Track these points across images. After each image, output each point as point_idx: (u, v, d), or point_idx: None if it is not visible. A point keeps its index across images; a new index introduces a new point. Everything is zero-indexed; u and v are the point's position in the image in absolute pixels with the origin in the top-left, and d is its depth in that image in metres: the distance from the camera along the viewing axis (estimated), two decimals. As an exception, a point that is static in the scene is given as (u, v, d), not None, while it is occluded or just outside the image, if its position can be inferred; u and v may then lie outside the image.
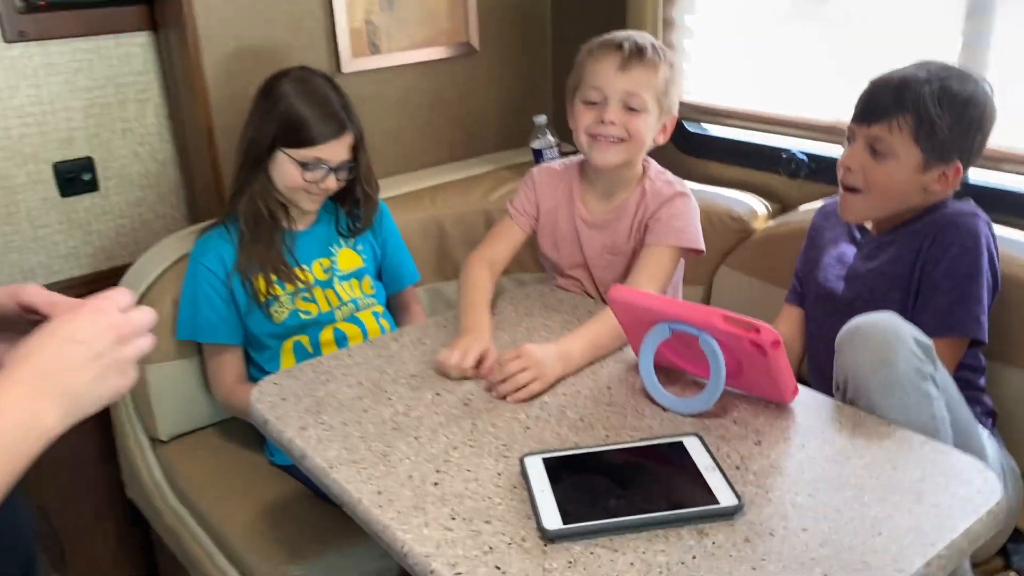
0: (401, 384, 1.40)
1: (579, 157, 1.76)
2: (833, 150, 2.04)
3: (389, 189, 2.21)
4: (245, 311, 1.81)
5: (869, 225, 1.62)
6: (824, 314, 1.62)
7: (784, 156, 2.09)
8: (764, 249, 2.02)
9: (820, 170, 2.05)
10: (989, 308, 1.45)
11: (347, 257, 1.91)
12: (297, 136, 1.72)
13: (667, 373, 1.37)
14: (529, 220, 1.75)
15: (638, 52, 1.55)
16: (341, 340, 1.85)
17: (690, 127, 2.34)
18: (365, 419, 1.29)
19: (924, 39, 1.82)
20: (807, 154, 2.07)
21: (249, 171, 1.78)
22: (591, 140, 1.61)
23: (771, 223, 2.04)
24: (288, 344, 1.85)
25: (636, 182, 1.68)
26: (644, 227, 1.65)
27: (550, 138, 2.35)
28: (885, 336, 1.24)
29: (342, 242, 1.91)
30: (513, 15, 2.51)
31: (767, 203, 2.12)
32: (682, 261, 1.72)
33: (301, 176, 1.75)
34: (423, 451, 1.20)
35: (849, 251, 1.63)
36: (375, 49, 2.26)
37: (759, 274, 2.01)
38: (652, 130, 1.60)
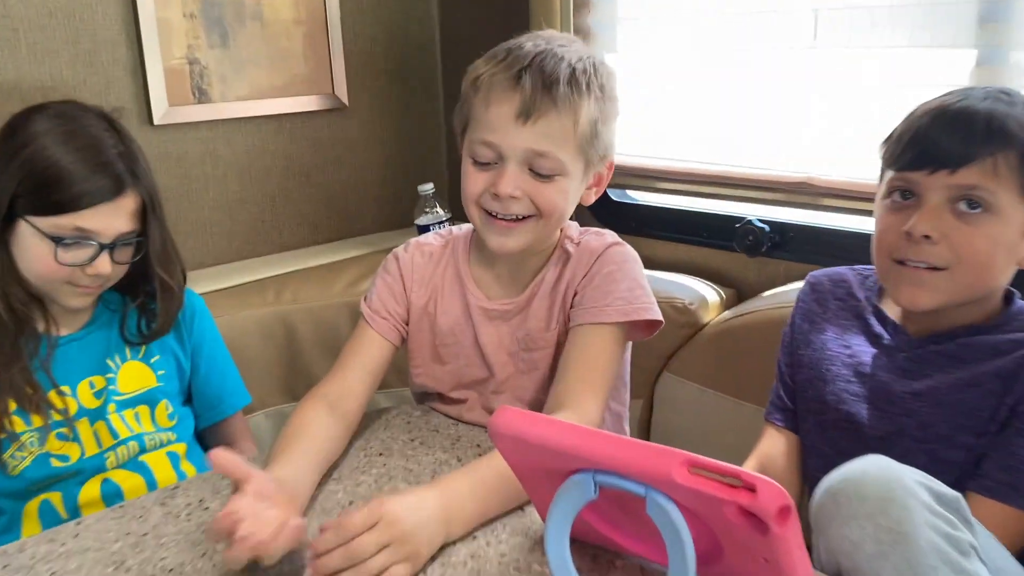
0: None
1: (467, 227, 1.24)
2: (801, 216, 1.56)
3: (218, 280, 1.64)
4: None
5: (893, 314, 1.11)
6: (836, 452, 1.09)
7: (739, 227, 1.60)
8: (719, 349, 1.54)
9: (785, 242, 1.57)
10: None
11: (133, 374, 1.32)
12: (47, 196, 1.17)
13: (595, 555, 0.81)
14: (396, 325, 1.20)
15: (546, 89, 1.05)
16: (113, 497, 1.26)
17: (613, 195, 1.86)
18: None
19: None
20: (768, 222, 1.58)
21: None
22: (484, 217, 1.11)
23: (726, 314, 1.57)
24: (32, 506, 1.25)
25: (551, 248, 1.18)
26: (571, 302, 1.15)
27: (439, 211, 1.84)
28: (886, 492, 0.82)
29: (127, 352, 1.32)
30: (392, 62, 2.03)
31: (719, 288, 1.62)
32: (627, 349, 1.21)
33: (54, 257, 1.17)
34: None
35: (866, 353, 1.11)
36: (202, 96, 1.73)
37: (714, 382, 1.54)
38: (575, 194, 1.13)
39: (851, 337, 1.14)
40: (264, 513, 0.82)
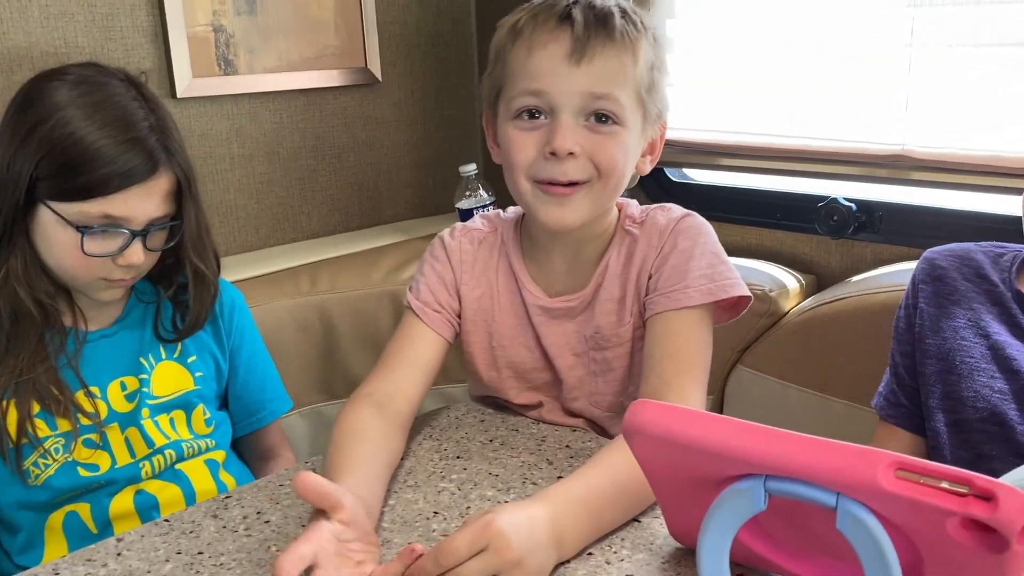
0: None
1: (514, 211, 1.09)
2: (894, 193, 1.42)
3: (246, 269, 1.50)
4: None
5: None
6: (977, 457, 0.96)
7: (821, 206, 1.46)
8: (803, 340, 1.40)
9: (873, 223, 1.43)
10: None
11: (168, 375, 1.17)
12: (71, 179, 1.02)
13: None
14: (449, 319, 1.05)
15: (600, 23, 0.92)
16: (149, 509, 1.12)
17: (671, 174, 1.71)
18: None
19: None
20: (855, 201, 1.44)
21: None
22: (536, 189, 0.95)
23: (808, 302, 1.43)
24: (56, 519, 1.10)
25: (611, 231, 1.03)
26: (646, 289, 1.00)
27: (483, 193, 1.69)
28: None
29: (162, 351, 1.17)
30: (426, 35, 1.88)
31: (798, 275, 1.48)
32: None
33: (79, 247, 1.03)
34: None
35: (1010, 346, 0.98)
36: (228, 67, 1.58)
37: (796, 377, 1.39)
38: (634, 153, 0.98)
39: (988, 325, 1.00)
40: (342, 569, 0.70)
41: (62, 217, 1.03)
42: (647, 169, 1.03)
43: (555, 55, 0.92)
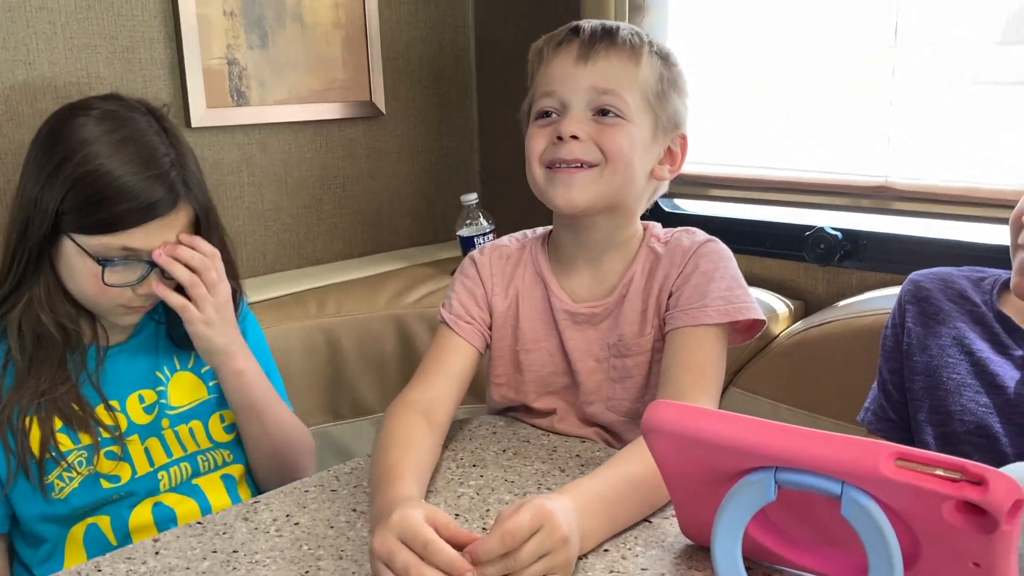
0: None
1: (543, 229, 1.17)
2: (878, 222, 1.50)
3: (254, 293, 1.55)
4: (4, 479, 1.09)
5: (1021, 321, 1.04)
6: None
7: (809, 235, 1.53)
8: (793, 361, 1.46)
9: (858, 251, 1.51)
10: None
11: (184, 385, 1.21)
12: (93, 215, 1.06)
13: (749, 567, 0.73)
14: (480, 330, 1.13)
15: (605, 32, 1.06)
16: (167, 523, 1.15)
17: (664, 204, 1.79)
18: None
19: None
20: (841, 230, 1.52)
21: (24, 264, 1.10)
22: (547, 173, 1.05)
23: (797, 325, 1.50)
24: (77, 531, 1.13)
25: (635, 246, 1.12)
26: (666, 305, 1.07)
27: (483, 222, 1.75)
28: None
29: (176, 363, 1.21)
30: (428, 70, 1.95)
31: (787, 301, 1.55)
32: None
33: (100, 278, 1.08)
34: None
35: (993, 363, 1.04)
36: (241, 98, 1.64)
37: (787, 397, 1.45)
38: (644, 150, 1.06)
39: (972, 343, 1.06)
40: None
41: (84, 249, 1.07)
42: (664, 176, 1.10)
43: (565, 60, 1.05)
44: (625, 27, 1.06)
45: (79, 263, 1.08)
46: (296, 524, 0.89)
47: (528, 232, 1.19)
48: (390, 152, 1.91)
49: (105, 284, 1.08)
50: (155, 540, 0.87)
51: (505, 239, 1.19)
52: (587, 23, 1.06)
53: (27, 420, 1.08)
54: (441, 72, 1.98)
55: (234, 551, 0.84)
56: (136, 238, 1.07)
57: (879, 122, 1.46)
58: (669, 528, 0.86)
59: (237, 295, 1.22)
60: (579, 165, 1.02)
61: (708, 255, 1.07)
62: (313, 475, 1.02)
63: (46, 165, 1.07)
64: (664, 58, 1.08)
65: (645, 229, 1.13)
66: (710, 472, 0.73)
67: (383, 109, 1.87)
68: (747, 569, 0.77)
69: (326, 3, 1.74)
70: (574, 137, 1.01)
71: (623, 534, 0.85)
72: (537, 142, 1.05)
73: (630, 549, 0.83)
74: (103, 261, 1.07)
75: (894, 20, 1.42)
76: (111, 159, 1.06)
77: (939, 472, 0.63)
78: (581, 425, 1.11)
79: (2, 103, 1.38)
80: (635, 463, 0.85)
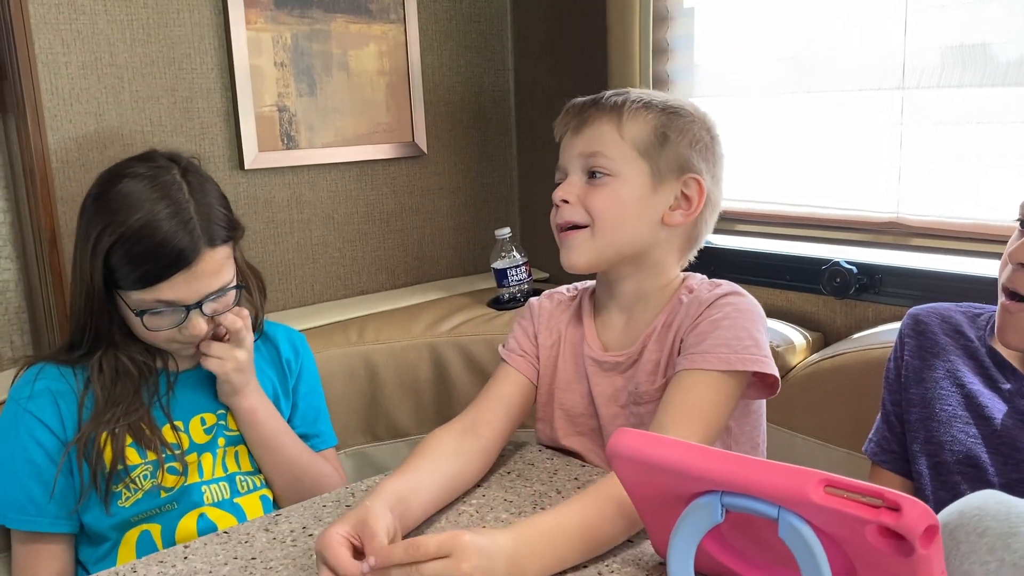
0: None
1: (593, 281, 1.25)
2: (890, 257, 1.54)
3: (301, 322, 1.66)
4: (79, 491, 1.22)
5: (1009, 356, 1.08)
6: (954, 497, 1.05)
7: (825, 269, 1.58)
8: (807, 392, 1.50)
9: (874, 284, 1.55)
10: None
11: (237, 412, 1.33)
12: (126, 274, 1.18)
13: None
14: (531, 362, 1.20)
15: (592, 103, 1.13)
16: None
17: (692, 240, 1.84)
18: None
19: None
20: (855, 263, 1.56)
21: (96, 320, 1.23)
22: (559, 237, 1.14)
23: (813, 357, 1.53)
24: (131, 536, 1.25)
25: (667, 297, 1.14)
26: (677, 354, 1.09)
27: (516, 255, 1.84)
28: (1007, 526, 0.77)
29: None
30: (468, 112, 2.07)
31: (805, 332, 1.59)
32: (761, 407, 1.17)
33: (142, 326, 1.21)
34: None
35: (982, 395, 1.08)
36: (291, 142, 1.78)
37: (802, 427, 1.50)
38: (640, 201, 1.09)
39: (964, 376, 1.10)
40: None
41: (126, 303, 1.20)
42: (678, 221, 1.10)
43: (566, 135, 1.14)
44: (611, 92, 1.13)
45: (126, 312, 1.21)
46: (311, 535, 0.99)
47: (587, 282, 1.25)
48: (431, 189, 2.02)
49: (149, 330, 1.20)
50: (185, 547, 0.97)
51: (563, 288, 1.26)
52: (580, 100, 1.14)
53: (102, 438, 1.20)
54: (481, 113, 2.09)
55: (252, 558, 0.94)
56: (166, 291, 1.18)
57: (889, 161, 1.51)
58: (647, 547, 0.93)
59: (259, 315, 1.34)
60: (573, 226, 1.10)
61: (722, 306, 1.06)
62: (333, 492, 1.12)
63: (92, 235, 1.19)
64: (663, 109, 1.11)
65: (684, 280, 1.15)
66: (668, 494, 0.80)
67: (425, 149, 1.98)
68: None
69: (371, 52, 1.87)
70: (565, 201, 1.10)
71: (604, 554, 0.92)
72: (552, 210, 1.14)
73: (607, 566, 0.90)
74: (139, 312, 1.19)
75: (901, 63, 1.47)
76: (139, 221, 1.16)
77: (862, 499, 0.68)
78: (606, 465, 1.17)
79: (75, 151, 1.54)
80: (591, 505, 0.90)
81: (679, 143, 1.10)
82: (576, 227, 1.10)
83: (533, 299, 1.26)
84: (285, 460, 1.30)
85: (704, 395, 1.02)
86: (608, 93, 1.14)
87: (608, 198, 1.08)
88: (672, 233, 1.12)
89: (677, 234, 1.12)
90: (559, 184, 1.13)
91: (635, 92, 1.14)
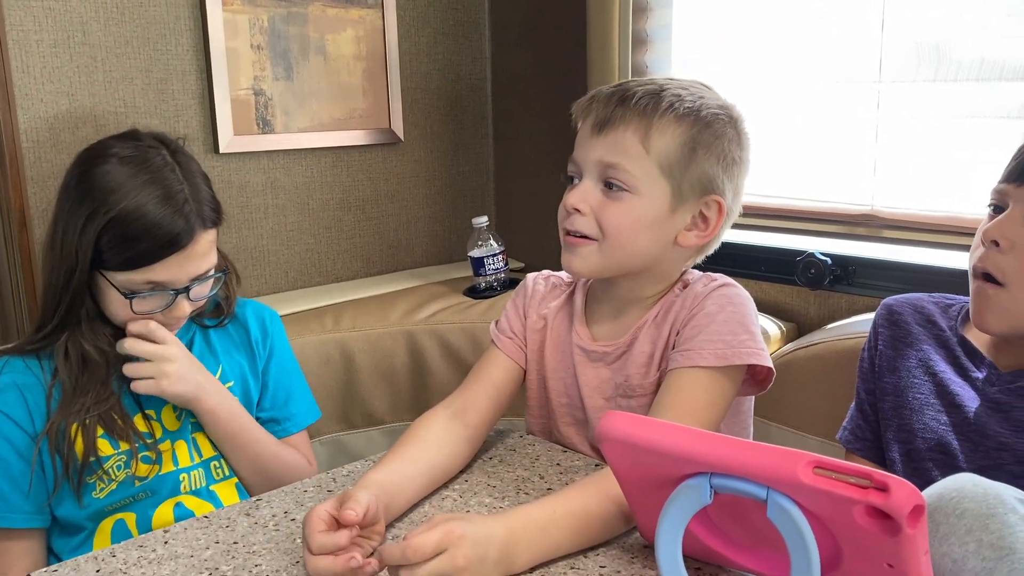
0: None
1: None
2: (864, 249, 1.56)
3: (275, 308, 1.63)
4: (51, 486, 1.20)
5: (980, 345, 1.10)
6: (927, 483, 1.07)
7: (800, 260, 1.60)
8: (780, 382, 1.48)
9: (847, 275, 1.57)
10: None
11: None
12: (120, 254, 1.16)
13: (699, 567, 0.80)
14: (520, 345, 1.18)
15: (620, 101, 1.03)
16: (184, 521, 1.23)
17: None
18: None
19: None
20: (830, 255, 1.58)
21: (69, 303, 1.20)
22: (564, 238, 1.07)
23: (787, 347, 1.55)
24: (106, 525, 1.23)
25: (662, 295, 1.11)
26: (672, 349, 1.07)
27: (493, 243, 1.84)
28: (985, 508, 0.80)
29: (216, 366, 1.31)
30: (445, 99, 2.06)
31: (780, 323, 1.61)
32: (750, 408, 1.18)
33: (130, 308, 1.18)
34: None
35: (953, 383, 1.10)
36: (266, 126, 1.76)
37: (776, 416, 1.52)
38: (655, 223, 1.03)
39: (936, 365, 1.12)
40: None
41: (113, 284, 1.17)
42: (691, 242, 1.06)
43: (585, 128, 1.05)
44: (643, 89, 1.03)
45: (111, 294, 1.18)
46: (292, 520, 0.98)
47: None
48: (408, 176, 2.01)
49: (135, 313, 1.18)
50: (165, 531, 0.96)
51: (564, 273, 1.20)
52: (607, 89, 1.05)
53: (73, 430, 1.18)
54: (458, 101, 2.08)
55: (234, 542, 0.93)
56: (159, 272, 1.16)
57: (864, 154, 1.53)
58: (633, 532, 0.94)
59: (232, 301, 1.32)
60: (579, 236, 1.04)
61: (717, 298, 1.04)
62: (314, 477, 1.11)
63: (79, 215, 1.16)
64: (699, 116, 1.02)
65: (681, 275, 1.11)
66: (656, 477, 0.81)
67: (401, 136, 1.97)
68: (696, 570, 0.85)
69: (348, 36, 1.85)
70: (577, 210, 1.03)
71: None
72: (561, 209, 1.06)
73: (593, 550, 0.90)
74: (129, 294, 1.17)
75: (878, 57, 1.49)
76: (133, 203, 1.15)
77: (850, 479, 0.70)
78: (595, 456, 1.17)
79: (46, 131, 1.51)
80: (580, 497, 0.90)
81: (706, 160, 1.03)
82: (585, 237, 1.04)
83: (529, 276, 1.23)
84: (249, 456, 1.28)
85: (700, 395, 1.01)
86: (638, 90, 1.03)
87: (624, 215, 1.02)
88: (684, 251, 1.08)
89: (682, 252, 1.08)
90: (572, 183, 1.06)
91: (668, 91, 1.03)
